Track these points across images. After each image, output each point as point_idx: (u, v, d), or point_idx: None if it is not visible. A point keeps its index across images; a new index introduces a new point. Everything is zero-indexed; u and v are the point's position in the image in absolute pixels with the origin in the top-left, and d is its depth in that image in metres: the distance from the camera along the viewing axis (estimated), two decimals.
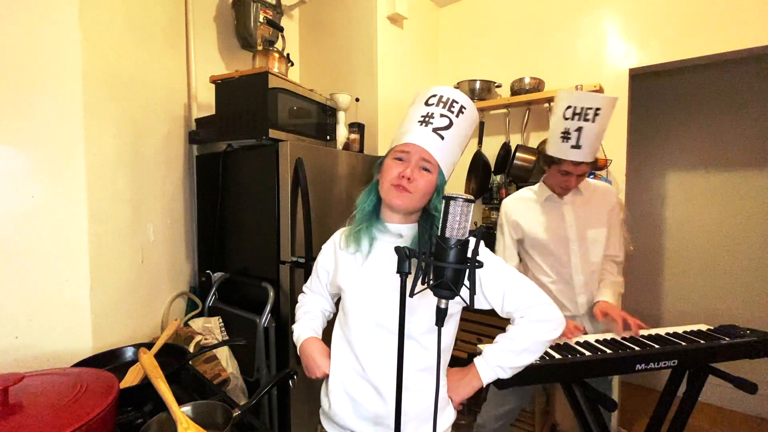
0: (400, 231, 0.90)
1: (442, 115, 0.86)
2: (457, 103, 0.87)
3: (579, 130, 1.30)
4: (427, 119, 0.86)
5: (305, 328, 1.02)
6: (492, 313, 0.90)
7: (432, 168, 0.85)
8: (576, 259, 1.49)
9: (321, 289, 1.08)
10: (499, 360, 0.89)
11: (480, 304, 0.89)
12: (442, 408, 0.90)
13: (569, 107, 1.31)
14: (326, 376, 0.94)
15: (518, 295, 0.87)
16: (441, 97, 0.88)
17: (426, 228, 0.88)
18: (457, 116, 0.87)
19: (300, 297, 1.13)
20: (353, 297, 0.91)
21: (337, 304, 1.06)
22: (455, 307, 0.91)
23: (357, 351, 0.89)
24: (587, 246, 1.49)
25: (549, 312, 0.88)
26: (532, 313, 0.87)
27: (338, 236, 1.02)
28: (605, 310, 1.40)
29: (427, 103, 0.88)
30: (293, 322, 1.06)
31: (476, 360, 0.92)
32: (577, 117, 1.30)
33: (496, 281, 0.87)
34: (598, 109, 1.28)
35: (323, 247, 1.06)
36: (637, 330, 1.31)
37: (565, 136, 1.32)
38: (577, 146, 1.31)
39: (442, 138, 0.85)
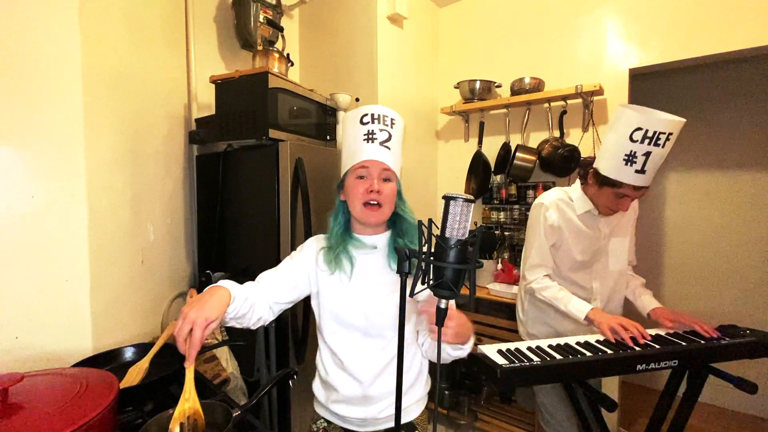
0: (374, 242, 0.99)
1: (381, 130, 0.94)
2: (387, 116, 0.96)
3: (647, 154, 1.19)
4: (371, 136, 0.94)
5: (229, 283, 0.88)
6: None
7: (392, 176, 0.96)
8: (599, 269, 1.47)
9: (279, 283, 0.98)
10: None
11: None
12: (417, 380, 0.99)
13: (639, 129, 1.19)
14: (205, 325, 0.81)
15: None
16: (373, 114, 0.95)
17: (396, 233, 0.99)
18: (392, 127, 0.96)
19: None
20: (342, 311, 0.96)
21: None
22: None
23: (336, 350, 0.96)
24: (610, 256, 1.47)
25: None
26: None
27: (315, 250, 1.02)
28: (670, 317, 1.35)
29: (362, 122, 0.95)
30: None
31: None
32: (647, 141, 1.18)
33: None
34: (670, 134, 1.18)
35: (304, 250, 1.04)
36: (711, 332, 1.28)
37: (630, 159, 1.21)
38: (641, 171, 1.22)
39: (389, 149, 0.95)
